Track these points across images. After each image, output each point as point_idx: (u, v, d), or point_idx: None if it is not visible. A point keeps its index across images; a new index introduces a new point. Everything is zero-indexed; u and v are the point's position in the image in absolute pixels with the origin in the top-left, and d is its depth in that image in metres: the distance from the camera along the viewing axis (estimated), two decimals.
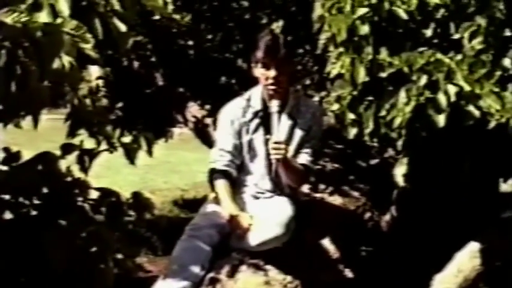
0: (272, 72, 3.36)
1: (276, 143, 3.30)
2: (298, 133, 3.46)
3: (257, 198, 3.51)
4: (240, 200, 3.47)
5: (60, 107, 2.29)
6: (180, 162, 8.42)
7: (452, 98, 2.74)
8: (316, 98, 4.14)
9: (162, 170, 7.69)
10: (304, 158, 3.48)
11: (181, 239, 3.28)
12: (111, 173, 6.23)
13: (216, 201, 3.44)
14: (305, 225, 3.49)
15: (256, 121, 3.47)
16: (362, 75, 2.86)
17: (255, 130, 3.47)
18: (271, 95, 3.41)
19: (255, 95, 3.50)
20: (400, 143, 2.86)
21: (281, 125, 3.39)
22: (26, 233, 2.06)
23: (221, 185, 3.41)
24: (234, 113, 3.49)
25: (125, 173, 6.73)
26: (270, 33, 3.46)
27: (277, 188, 3.51)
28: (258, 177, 3.51)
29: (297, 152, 3.48)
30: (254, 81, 3.51)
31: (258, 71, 3.41)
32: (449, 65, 2.80)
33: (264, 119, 3.45)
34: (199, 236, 3.25)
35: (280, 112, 3.39)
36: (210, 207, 3.45)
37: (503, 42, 2.87)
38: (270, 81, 3.37)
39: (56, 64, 1.89)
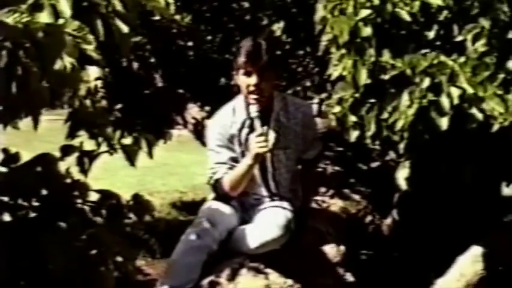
0: (253, 80, 3.26)
1: (258, 136, 3.24)
2: (293, 134, 3.41)
3: (256, 204, 3.47)
4: (241, 207, 3.45)
5: (56, 108, 2.27)
6: (178, 164, 8.39)
7: (455, 101, 2.73)
8: (316, 100, 4.13)
9: (160, 172, 7.66)
10: (311, 153, 3.49)
11: (182, 242, 3.24)
12: (108, 174, 6.19)
13: (216, 199, 3.41)
14: (304, 228, 3.47)
15: (246, 131, 3.38)
16: (364, 78, 2.84)
17: (246, 141, 3.37)
18: (251, 103, 3.31)
19: (239, 104, 3.41)
20: (402, 145, 2.84)
21: (270, 133, 3.28)
22: (25, 235, 2.05)
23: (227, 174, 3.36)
24: (222, 125, 3.42)
25: (122, 174, 6.71)
26: (252, 39, 3.34)
27: (276, 194, 3.47)
28: (254, 186, 3.46)
29: (303, 151, 3.47)
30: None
31: (240, 79, 3.32)
32: (452, 67, 2.78)
33: (252, 128, 3.35)
34: (200, 241, 3.21)
35: (262, 118, 3.29)
36: (209, 208, 3.40)
37: (507, 45, 2.86)
38: (252, 88, 3.27)
39: (57, 65, 1.88)
